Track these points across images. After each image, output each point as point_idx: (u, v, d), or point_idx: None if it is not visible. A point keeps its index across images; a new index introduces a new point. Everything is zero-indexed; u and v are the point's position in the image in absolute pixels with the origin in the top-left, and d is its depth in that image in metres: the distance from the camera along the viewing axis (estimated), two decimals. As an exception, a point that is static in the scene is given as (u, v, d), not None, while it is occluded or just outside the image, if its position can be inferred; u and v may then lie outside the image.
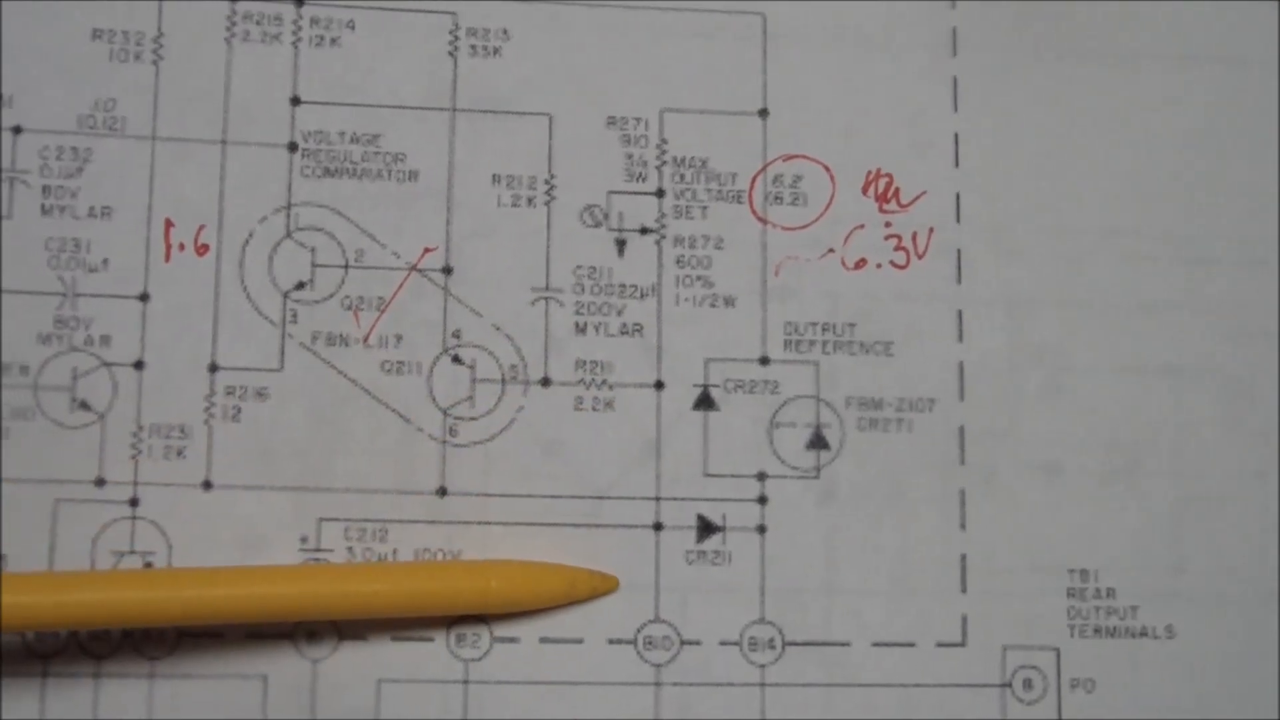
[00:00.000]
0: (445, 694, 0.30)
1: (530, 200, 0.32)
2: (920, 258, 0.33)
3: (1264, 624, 0.32)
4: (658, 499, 0.31)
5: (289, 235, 0.31)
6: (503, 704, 0.30)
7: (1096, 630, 0.31)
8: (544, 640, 0.30)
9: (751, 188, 0.32)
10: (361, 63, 0.32)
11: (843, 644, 0.31)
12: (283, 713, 0.30)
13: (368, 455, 0.31)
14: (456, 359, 0.31)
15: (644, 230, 0.32)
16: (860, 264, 0.32)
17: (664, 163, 0.32)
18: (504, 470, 0.31)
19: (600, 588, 0.31)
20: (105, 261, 0.31)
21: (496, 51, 0.32)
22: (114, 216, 0.31)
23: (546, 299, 0.31)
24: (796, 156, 0.32)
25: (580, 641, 0.30)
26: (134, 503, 0.30)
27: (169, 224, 0.31)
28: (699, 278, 0.32)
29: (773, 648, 0.31)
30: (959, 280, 0.32)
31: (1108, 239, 0.33)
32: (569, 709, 0.30)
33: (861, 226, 0.32)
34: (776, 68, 0.33)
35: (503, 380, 0.31)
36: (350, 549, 0.30)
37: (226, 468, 0.30)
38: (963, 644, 0.31)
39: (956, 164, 0.33)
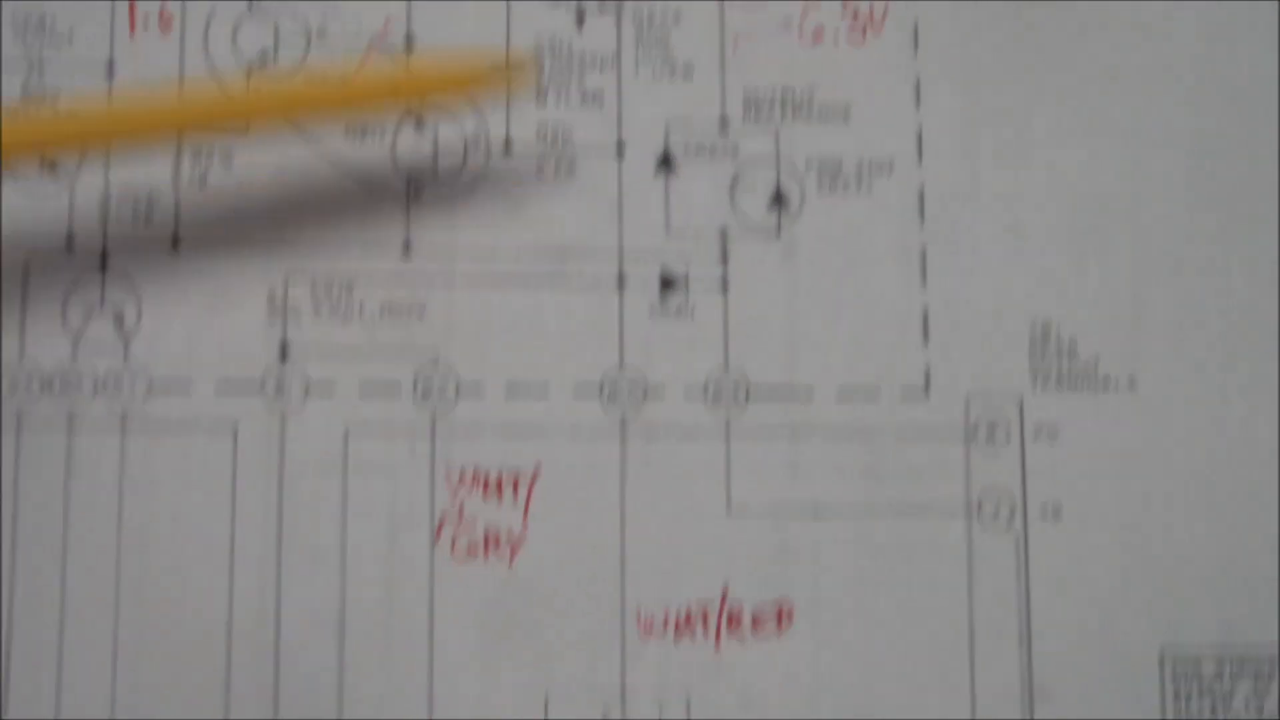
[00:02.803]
0: (412, 443, 0.30)
1: (489, -29, 0.32)
2: (878, 33, 0.33)
3: (1221, 373, 0.32)
4: (620, 256, 0.31)
5: (250, 10, 0.32)
6: (469, 452, 0.31)
7: (1059, 381, 0.32)
8: (510, 388, 0.31)
9: (708, -41, 0.33)
10: None
11: (806, 393, 0.31)
12: (252, 463, 0.30)
13: (334, 215, 0.31)
14: (419, 123, 0.32)
15: (603, 2, 0.32)
16: (818, 37, 0.33)
17: (621, -65, 0.33)
18: (469, 230, 0.31)
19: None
20: (70, 34, 0.31)
21: None
22: (78, -15, 0.31)
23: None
24: (752, -71, 0.33)
25: (545, 390, 0.31)
26: (104, 261, 0.31)
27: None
28: (657, 48, 0.32)
29: (737, 399, 0.31)
30: (915, 53, 0.33)
31: (1064, 9, 0.33)
32: (535, 457, 0.31)
33: (818, 1, 0.33)
34: None
35: (465, 147, 0.32)
36: (317, 305, 0.31)
37: (195, 229, 0.31)
38: (926, 393, 0.31)
39: (912, -61, 0.33)
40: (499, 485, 0.31)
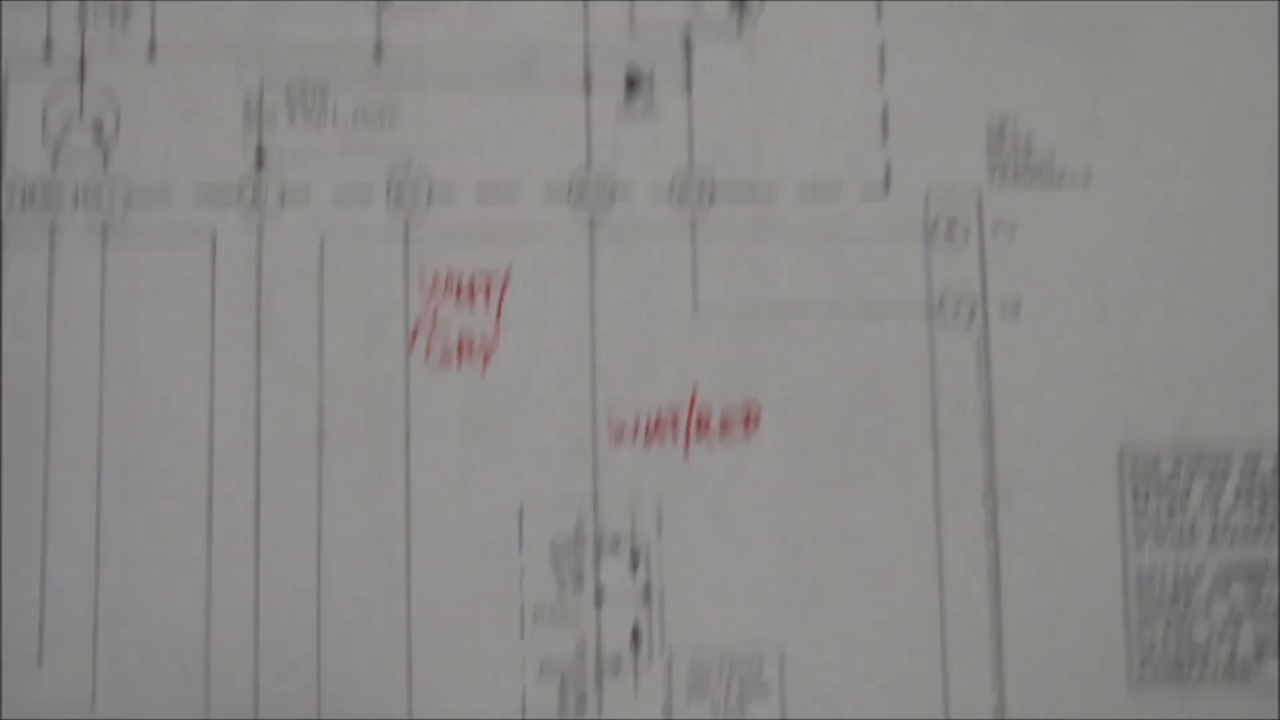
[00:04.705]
0: (387, 248, 0.31)
1: None
2: None
3: (1175, 167, 0.33)
4: (586, 56, 0.32)
5: None
6: (442, 256, 0.31)
7: (1016, 177, 0.32)
8: (481, 190, 0.32)
9: None
10: None
11: (769, 192, 0.32)
12: (230, 272, 0.31)
13: (307, 16, 0.32)
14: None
15: None
16: None
17: None
18: (437, 31, 0.32)
19: None
20: None
21: None
22: None
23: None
24: None
25: (516, 193, 0.32)
26: (82, 70, 0.31)
27: None
28: None
29: (702, 199, 0.32)
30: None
31: None
32: (506, 259, 0.31)
33: None
34: None
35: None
36: (291, 111, 0.31)
37: (171, 35, 0.31)
38: (886, 191, 0.32)
39: None
40: (471, 289, 0.32)
